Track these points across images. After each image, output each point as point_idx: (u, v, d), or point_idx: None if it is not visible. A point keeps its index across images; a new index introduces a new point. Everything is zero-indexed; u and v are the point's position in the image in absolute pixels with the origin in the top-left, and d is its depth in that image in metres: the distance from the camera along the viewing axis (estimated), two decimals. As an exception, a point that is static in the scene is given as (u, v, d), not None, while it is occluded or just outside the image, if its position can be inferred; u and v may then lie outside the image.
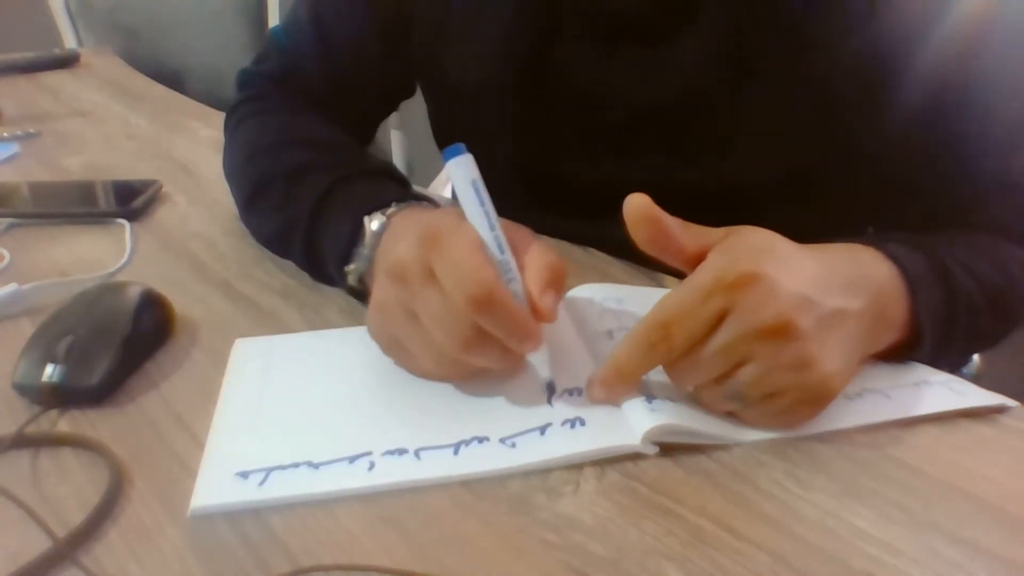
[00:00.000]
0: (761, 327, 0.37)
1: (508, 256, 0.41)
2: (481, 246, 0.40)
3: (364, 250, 0.48)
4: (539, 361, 0.42)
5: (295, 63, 0.69)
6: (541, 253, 0.42)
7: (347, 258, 0.50)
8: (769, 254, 0.39)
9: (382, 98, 0.74)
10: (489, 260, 0.39)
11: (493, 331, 0.39)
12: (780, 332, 0.37)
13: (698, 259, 0.39)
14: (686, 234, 0.40)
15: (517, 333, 0.39)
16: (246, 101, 0.69)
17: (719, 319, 0.37)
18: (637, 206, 0.39)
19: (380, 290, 0.42)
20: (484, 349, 0.39)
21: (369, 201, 0.50)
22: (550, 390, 0.42)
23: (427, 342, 0.40)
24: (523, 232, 0.44)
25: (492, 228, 0.41)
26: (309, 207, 0.53)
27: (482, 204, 0.41)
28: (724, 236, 0.40)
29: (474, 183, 0.42)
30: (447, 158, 0.42)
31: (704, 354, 0.38)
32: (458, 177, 0.42)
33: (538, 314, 0.40)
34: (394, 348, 0.44)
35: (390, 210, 0.49)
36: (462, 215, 0.42)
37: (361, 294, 0.51)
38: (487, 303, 0.37)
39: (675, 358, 0.39)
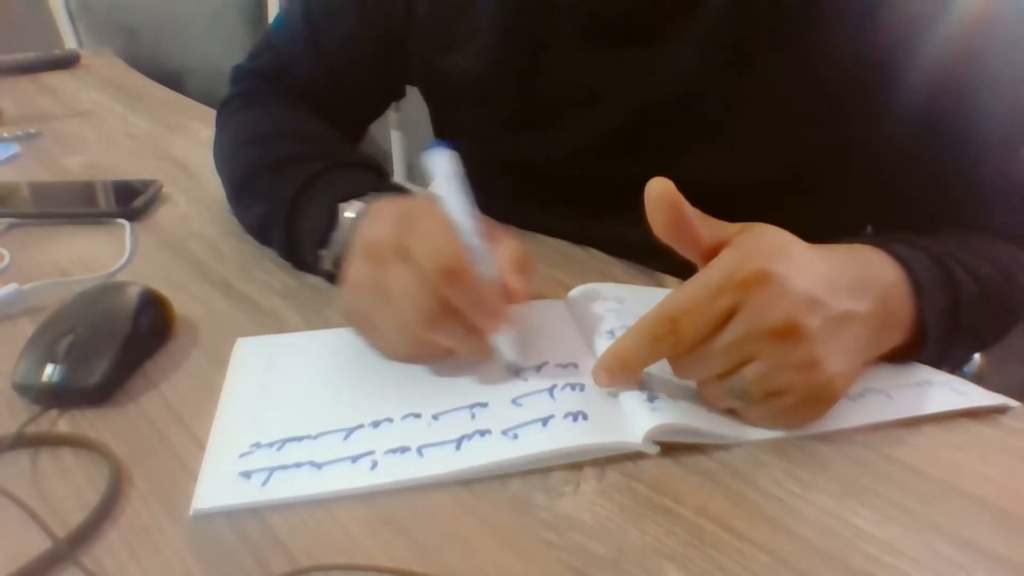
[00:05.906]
0: (770, 327, 0.37)
1: (482, 243, 0.43)
2: (453, 229, 0.42)
3: (339, 235, 0.51)
4: (505, 344, 0.43)
5: (286, 62, 0.70)
6: (512, 242, 0.45)
7: (323, 243, 0.52)
8: (781, 254, 0.38)
9: (372, 100, 0.74)
10: (459, 241, 0.42)
11: (460, 304, 0.41)
12: (788, 333, 0.37)
13: (711, 253, 0.39)
14: (703, 225, 0.40)
15: (483, 308, 0.41)
16: (237, 96, 0.71)
17: (728, 316, 0.37)
18: (660, 191, 0.38)
19: (353, 269, 0.45)
20: (448, 325, 0.41)
21: (346, 190, 0.53)
22: (514, 370, 0.43)
23: (394, 318, 0.42)
24: (495, 226, 0.46)
25: (470, 216, 0.44)
26: (290, 196, 0.56)
27: (463, 195, 0.44)
28: (738, 231, 0.40)
29: (458, 175, 0.45)
30: (432, 153, 0.45)
31: (710, 350, 0.38)
32: (442, 169, 0.45)
33: (509, 293, 0.43)
34: (363, 325, 0.46)
35: (366, 198, 0.51)
36: (436, 201, 0.44)
37: (335, 277, 0.52)
38: (457, 274, 0.40)
39: (681, 352, 0.39)
